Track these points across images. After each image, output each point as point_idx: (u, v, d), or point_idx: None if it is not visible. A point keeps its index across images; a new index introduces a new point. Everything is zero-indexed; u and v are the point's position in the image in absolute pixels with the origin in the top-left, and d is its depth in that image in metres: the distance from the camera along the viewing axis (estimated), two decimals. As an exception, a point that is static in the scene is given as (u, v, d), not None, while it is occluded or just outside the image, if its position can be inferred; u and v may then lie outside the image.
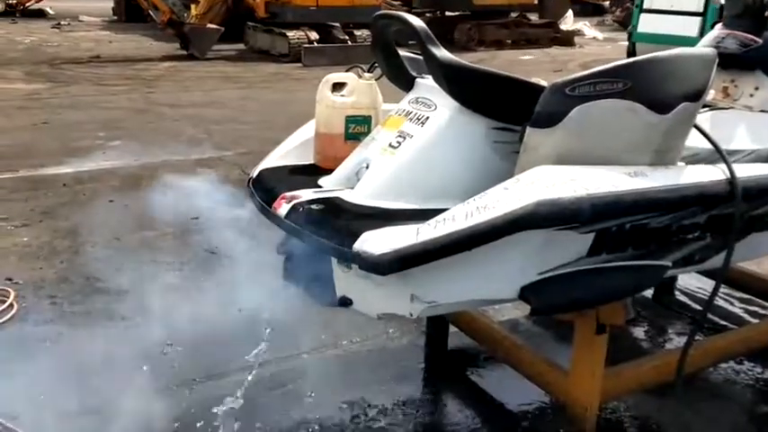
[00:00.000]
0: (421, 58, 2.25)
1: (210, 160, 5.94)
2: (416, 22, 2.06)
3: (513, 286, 1.84)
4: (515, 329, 3.02)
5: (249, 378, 2.59)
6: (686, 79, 1.94)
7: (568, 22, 17.98)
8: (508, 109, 2.06)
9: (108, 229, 4.15)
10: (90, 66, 11.31)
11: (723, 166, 2.02)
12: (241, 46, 13.70)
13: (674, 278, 3.42)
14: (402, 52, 2.27)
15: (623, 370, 2.35)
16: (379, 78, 2.41)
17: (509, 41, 15.59)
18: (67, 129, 6.91)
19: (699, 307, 3.35)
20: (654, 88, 1.89)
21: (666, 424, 2.52)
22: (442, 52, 2.02)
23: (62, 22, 17.34)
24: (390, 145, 2.09)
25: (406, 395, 2.67)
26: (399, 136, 2.09)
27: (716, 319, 3.20)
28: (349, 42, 12.78)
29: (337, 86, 2.39)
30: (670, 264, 2.05)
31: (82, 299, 3.35)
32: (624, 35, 19.20)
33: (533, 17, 17.31)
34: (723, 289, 3.35)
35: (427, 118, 2.09)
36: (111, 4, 19.76)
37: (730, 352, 2.66)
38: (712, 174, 2.01)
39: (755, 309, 3.30)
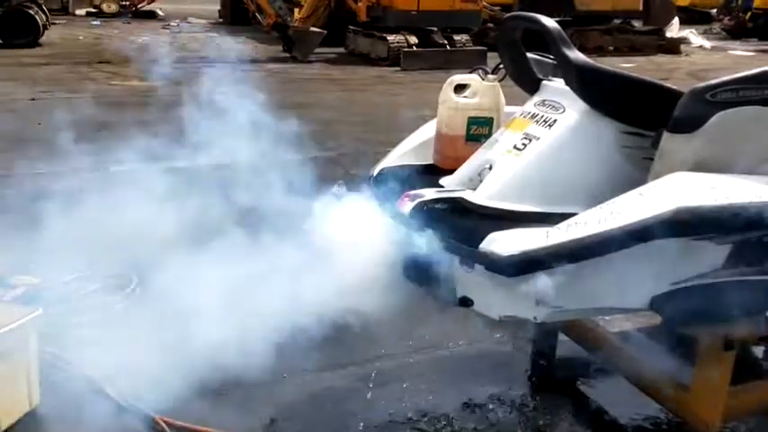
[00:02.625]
0: (547, 60, 2.23)
1: (315, 159, 6.05)
2: (550, 23, 2.05)
3: (644, 296, 1.79)
4: (628, 341, 2.93)
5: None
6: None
7: (674, 30, 17.35)
8: (641, 113, 2.01)
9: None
10: (199, 65, 11.76)
11: None
12: (341, 49, 13.92)
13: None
14: (529, 54, 2.26)
15: (748, 389, 2.24)
16: (502, 80, 2.40)
17: (611, 48, 15.19)
18: (176, 124, 7.19)
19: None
20: (800, 96, 1.81)
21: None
22: (575, 54, 2.00)
23: (171, 23, 18.10)
24: (515, 147, 2.08)
25: (513, 401, 2.64)
26: (525, 138, 2.08)
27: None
28: (447, 47, 12.77)
29: (460, 88, 2.39)
30: (809, 280, 1.95)
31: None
32: (732, 44, 18.43)
33: (637, 24, 16.79)
34: None
35: (555, 120, 2.06)
36: (218, 7, 20.50)
37: None
38: None
39: None
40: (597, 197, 1.93)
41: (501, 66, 2.37)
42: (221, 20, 19.75)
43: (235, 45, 14.60)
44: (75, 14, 19.08)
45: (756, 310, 1.96)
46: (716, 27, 22.26)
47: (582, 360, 2.85)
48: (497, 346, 2.99)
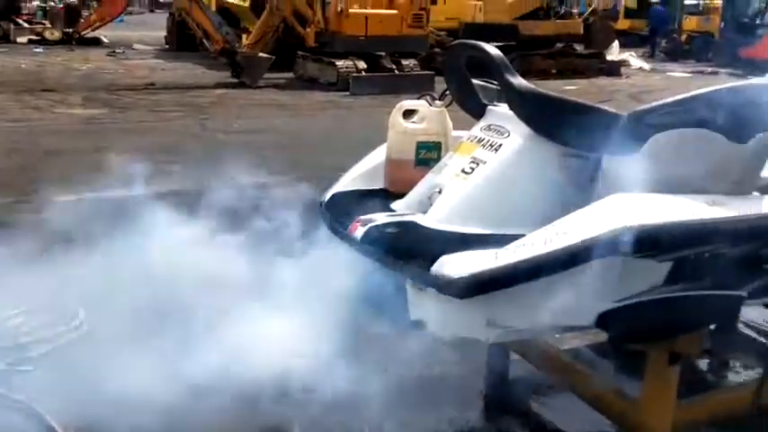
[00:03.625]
0: (492, 86, 2.29)
1: (268, 184, 6.04)
2: (493, 50, 2.11)
3: (591, 314, 1.84)
4: (578, 358, 2.99)
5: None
6: (764, 109, 1.93)
7: (614, 53, 17.93)
8: (583, 137, 2.07)
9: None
10: (145, 93, 11.64)
11: None
12: (290, 74, 13.94)
13: (738, 310, 3.35)
14: (474, 80, 2.32)
15: (695, 401, 2.31)
16: (449, 105, 2.45)
17: (554, 71, 15.58)
18: (126, 153, 7.11)
19: (763, 339, 3.28)
20: (731, 118, 1.90)
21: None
22: (518, 80, 2.06)
23: (117, 50, 17.88)
24: (463, 171, 2.12)
25: (468, 424, 2.66)
26: (472, 162, 2.12)
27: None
28: (396, 71, 12.92)
29: (409, 113, 2.44)
30: (746, 294, 2.03)
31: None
32: (671, 66, 19.11)
33: (579, 47, 17.29)
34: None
35: (500, 145, 2.12)
36: (164, 33, 20.36)
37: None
38: (791, 204, 1.99)
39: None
40: (543, 218, 1.98)
41: (448, 92, 2.43)
42: (167, 46, 19.59)
43: (182, 71, 14.56)
44: (16, 42, 18.67)
45: (697, 324, 2.03)
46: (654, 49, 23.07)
47: (535, 379, 2.90)
48: (451, 367, 3.01)
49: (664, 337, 2.02)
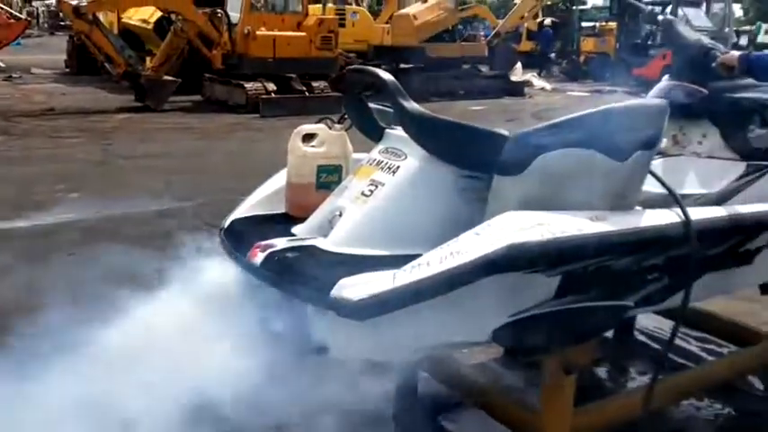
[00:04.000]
0: (389, 109, 2.34)
1: (171, 211, 5.91)
2: (387, 76, 2.16)
3: (486, 329, 1.90)
4: (484, 372, 3.06)
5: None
6: (641, 129, 2.06)
7: (518, 74, 18.58)
8: (474, 158, 2.14)
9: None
10: (44, 118, 11.20)
11: (678, 209, 2.13)
12: (198, 97, 13.74)
13: (632, 319, 3.52)
14: (371, 104, 2.36)
15: (591, 409, 2.41)
16: (348, 129, 2.49)
17: (462, 92, 16.01)
18: (24, 182, 6.82)
19: (657, 346, 3.45)
20: (611, 137, 2.00)
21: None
22: (411, 104, 2.12)
23: (13, 75, 17.15)
24: (363, 193, 2.15)
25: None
26: (371, 184, 2.16)
27: (674, 357, 3.28)
28: (306, 93, 12.95)
29: (308, 137, 2.46)
30: (632, 304, 2.14)
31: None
32: (570, 85, 19.95)
33: (484, 69, 17.84)
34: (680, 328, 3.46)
35: (398, 167, 2.16)
36: (63, 57, 19.67)
37: (692, 388, 2.75)
38: (668, 217, 2.12)
39: (711, 347, 3.41)
40: (440, 238, 2.03)
41: (346, 116, 2.46)
42: (68, 70, 18.94)
43: (83, 95, 14.11)
44: None
45: (587, 334, 2.12)
46: (555, 70, 24.06)
47: (442, 395, 2.94)
48: (359, 391, 3.02)
49: (556, 349, 2.10)
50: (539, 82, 19.35)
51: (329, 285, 1.84)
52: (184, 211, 5.91)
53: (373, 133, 2.36)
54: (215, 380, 2.08)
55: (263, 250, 2.07)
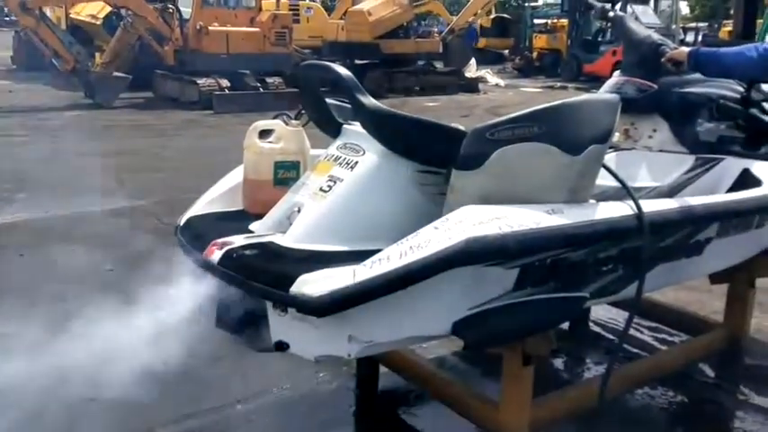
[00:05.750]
0: (347, 105, 2.34)
1: (124, 210, 5.80)
2: (343, 71, 2.15)
3: (446, 322, 1.91)
4: (444, 366, 3.09)
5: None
6: (594, 123, 2.09)
7: (472, 70, 18.71)
8: (432, 153, 2.16)
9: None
10: (-12, 115, 10.86)
11: (631, 202, 2.18)
12: (149, 94, 13.50)
13: (587, 310, 3.59)
14: (328, 100, 2.35)
15: (549, 399, 2.45)
16: (305, 125, 2.47)
17: (417, 88, 16.07)
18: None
19: (612, 336, 3.53)
20: (565, 132, 2.03)
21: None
22: (368, 100, 2.11)
23: (-44, 72, 16.61)
24: (321, 189, 2.14)
25: None
26: (330, 180, 2.15)
27: (628, 347, 3.36)
28: (260, 89, 12.83)
29: (264, 133, 2.43)
30: (588, 295, 2.18)
31: None
32: (523, 81, 20.20)
33: (439, 65, 17.92)
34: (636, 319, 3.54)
35: (356, 162, 2.16)
36: (9, 53, 19.11)
37: (646, 377, 2.82)
38: (622, 209, 2.16)
39: (663, 336, 3.50)
40: (400, 233, 2.03)
41: (303, 111, 2.45)
42: (14, 66, 18.41)
43: (31, 93, 13.72)
44: None
45: (545, 325, 2.15)
46: (508, 66, 24.32)
47: (403, 389, 2.96)
48: (320, 385, 3.02)
49: (515, 340, 2.13)
50: (493, 78, 19.52)
51: (289, 282, 1.82)
52: (138, 210, 5.81)
53: (330, 129, 2.35)
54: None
55: (221, 248, 2.04)
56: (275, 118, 2.45)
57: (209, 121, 11.04)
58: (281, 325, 1.94)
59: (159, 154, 8.35)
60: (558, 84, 19.36)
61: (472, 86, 17.14)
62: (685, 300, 3.69)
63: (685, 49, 2.76)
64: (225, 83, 12.45)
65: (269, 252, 2.02)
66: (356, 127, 2.27)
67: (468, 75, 17.86)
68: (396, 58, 16.09)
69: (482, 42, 25.13)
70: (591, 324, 3.63)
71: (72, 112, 11.56)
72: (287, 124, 2.44)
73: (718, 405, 2.98)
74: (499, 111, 12.71)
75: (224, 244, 2.05)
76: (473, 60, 19.24)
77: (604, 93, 2.90)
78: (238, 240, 2.08)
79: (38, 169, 7.25)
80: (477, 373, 3.15)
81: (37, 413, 2.42)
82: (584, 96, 2.20)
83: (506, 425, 2.30)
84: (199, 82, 12.28)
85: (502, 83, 19.33)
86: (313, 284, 1.80)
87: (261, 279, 1.90)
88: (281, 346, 1.96)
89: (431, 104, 14.16)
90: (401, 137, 2.13)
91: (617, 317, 3.57)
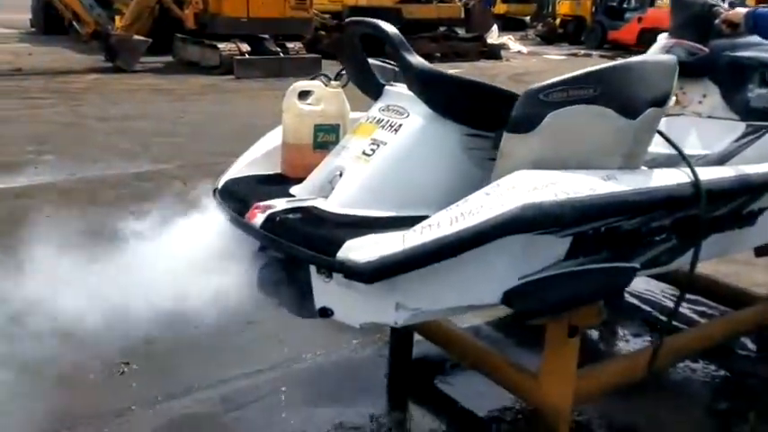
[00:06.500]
0: (389, 65, 2.25)
1: (148, 174, 5.77)
2: (391, 28, 2.06)
3: (497, 291, 1.85)
4: (478, 335, 3.04)
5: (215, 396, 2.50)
6: (652, 85, 2.00)
7: (494, 36, 18.41)
8: (481, 116, 2.07)
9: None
10: (11, 79, 10.83)
11: (686, 169, 2.09)
12: (169, 58, 13.41)
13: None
14: (370, 60, 2.26)
15: (593, 371, 2.39)
16: (344, 86, 2.39)
17: (438, 55, 15.82)
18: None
19: (648, 308, 3.46)
20: (622, 94, 1.94)
21: (636, 423, 2.57)
22: (416, 59, 2.03)
23: (-24, 34, 16.58)
24: (364, 153, 2.07)
25: (373, 407, 2.64)
26: (373, 143, 2.08)
27: (663, 318, 3.27)
28: (281, 54, 12.69)
29: (303, 95, 2.35)
30: (639, 266, 2.10)
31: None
32: (546, 49, 19.86)
33: (461, 31, 17.64)
34: (670, 290, 3.46)
35: (400, 125, 2.08)
36: (29, 16, 19.04)
37: (689, 350, 2.74)
38: (678, 177, 2.07)
39: (702, 309, 3.42)
40: (446, 198, 1.97)
41: (343, 72, 2.36)
42: (34, 29, 18.35)
43: (51, 56, 13.67)
44: None
45: (596, 296, 2.08)
46: (530, 33, 23.92)
47: (438, 357, 2.92)
48: (354, 352, 2.98)
49: (566, 310, 2.06)
50: (515, 45, 19.21)
51: (335, 247, 1.76)
52: (163, 173, 5.76)
53: (372, 90, 2.26)
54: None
55: (263, 211, 1.98)
56: (314, 79, 2.37)
57: (229, 86, 10.95)
58: (325, 291, 1.89)
59: (180, 119, 8.29)
60: (582, 51, 19.03)
61: (494, 53, 16.87)
62: (724, 272, 3.60)
63: (742, 10, 2.63)
64: (245, 47, 12.32)
65: (312, 216, 1.96)
66: (399, 88, 2.19)
67: (490, 41, 17.57)
68: (417, 24, 15.85)
69: (503, 8, 24.71)
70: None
71: (92, 75, 11.51)
72: (326, 85, 2.36)
73: (760, 379, 2.91)
74: (522, 78, 12.51)
75: (266, 207, 1.99)
76: (495, 26, 18.93)
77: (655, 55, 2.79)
78: (280, 204, 2.02)
79: (61, 132, 7.23)
80: (510, 343, 3.11)
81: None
82: (642, 57, 2.10)
83: (548, 397, 2.24)
84: (219, 46, 12.16)
85: (524, 50, 19.02)
86: (361, 250, 1.73)
87: (305, 244, 1.84)
88: (326, 313, 1.91)
89: (453, 71, 13.92)
90: (449, 98, 2.05)
91: (653, 289, 3.51)
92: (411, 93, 2.11)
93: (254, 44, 12.53)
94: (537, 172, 1.86)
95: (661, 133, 2.16)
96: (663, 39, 2.93)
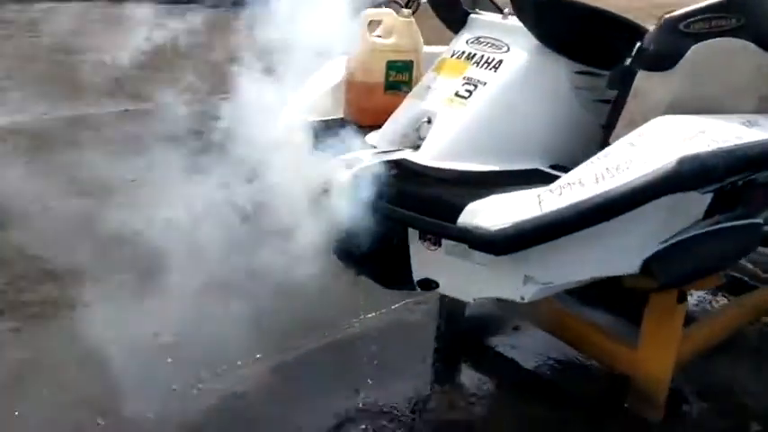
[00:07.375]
0: None
1: (129, 114, 5.30)
2: None
3: (636, 259, 1.58)
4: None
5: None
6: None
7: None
8: (596, 50, 1.77)
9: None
10: (-46, 8, 9.96)
11: None
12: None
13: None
14: None
15: (692, 333, 2.16)
16: (415, 12, 2.05)
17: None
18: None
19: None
20: (766, 25, 1.66)
21: (725, 384, 2.38)
22: None
23: None
24: (458, 95, 1.76)
25: (426, 365, 2.41)
26: (467, 83, 1.76)
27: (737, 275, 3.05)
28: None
29: (370, 25, 2.00)
30: (762, 221, 1.87)
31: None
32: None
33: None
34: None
35: (500, 61, 1.77)
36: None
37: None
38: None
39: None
40: (555, 149, 1.71)
41: (416, -3, 2.02)
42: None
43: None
44: None
45: (734, 257, 1.86)
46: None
47: (492, 318, 2.68)
48: (405, 314, 2.72)
49: (709, 273, 1.82)
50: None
51: (453, 211, 1.47)
52: (144, 113, 5.29)
53: (453, 19, 1.94)
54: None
55: (349, 166, 1.66)
56: (387, 5, 2.02)
57: (199, 11, 10.26)
58: (429, 261, 1.61)
59: (153, 51, 7.69)
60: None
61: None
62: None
63: None
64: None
65: (409, 172, 1.65)
66: (490, 17, 1.87)
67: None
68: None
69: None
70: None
71: (44, 4, 10.65)
72: (397, 14, 2.01)
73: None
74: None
75: (352, 161, 1.67)
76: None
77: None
78: (366, 156, 1.70)
79: (24, 67, 6.62)
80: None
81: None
82: None
83: (648, 368, 2.03)
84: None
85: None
86: (488, 215, 1.45)
87: (413, 206, 1.54)
88: (428, 285, 1.64)
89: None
90: (564, 29, 1.74)
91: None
92: (507, 22, 1.80)
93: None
94: (680, 117, 1.58)
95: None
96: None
